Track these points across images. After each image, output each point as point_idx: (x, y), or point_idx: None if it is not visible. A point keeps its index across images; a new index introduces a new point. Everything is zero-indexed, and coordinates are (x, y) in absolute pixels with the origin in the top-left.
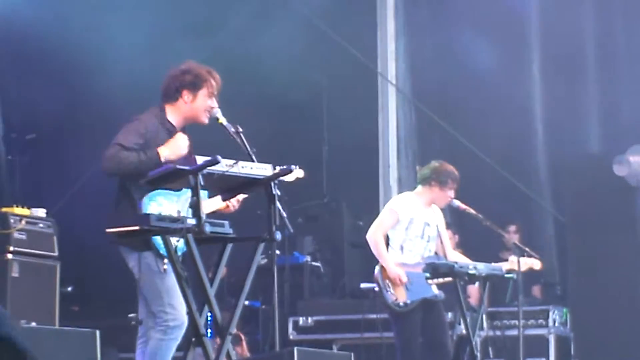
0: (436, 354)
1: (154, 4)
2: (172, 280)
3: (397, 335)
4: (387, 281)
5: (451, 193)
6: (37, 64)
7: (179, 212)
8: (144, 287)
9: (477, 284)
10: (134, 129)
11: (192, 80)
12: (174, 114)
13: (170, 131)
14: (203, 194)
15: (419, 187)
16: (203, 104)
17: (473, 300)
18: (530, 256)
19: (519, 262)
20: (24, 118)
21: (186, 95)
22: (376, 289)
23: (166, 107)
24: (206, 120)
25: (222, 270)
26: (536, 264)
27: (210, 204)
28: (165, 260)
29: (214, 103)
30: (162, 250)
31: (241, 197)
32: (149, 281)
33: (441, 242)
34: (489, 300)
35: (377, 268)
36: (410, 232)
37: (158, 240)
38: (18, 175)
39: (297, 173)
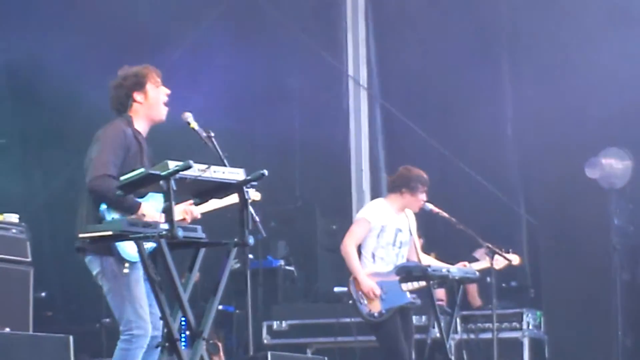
0: None
1: None
2: (137, 287)
3: (381, 343)
4: (360, 293)
5: (423, 196)
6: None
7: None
8: (109, 294)
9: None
10: (116, 142)
11: (135, 80)
12: (137, 121)
13: (140, 141)
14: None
15: (390, 195)
16: (156, 96)
17: (443, 303)
18: (508, 251)
19: (492, 261)
20: None
21: (137, 96)
22: (350, 302)
23: (130, 114)
24: (164, 116)
25: (195, 275)
26: (515, 258)
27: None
28: (126, 264)
29: (164, 90)
30: (124, 254)
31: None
32: (114, 288)
33: (415, 247)
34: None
35: (350, 279)
36: (381, 240)
37: (121, 244)
38: None
39: (254, 196)
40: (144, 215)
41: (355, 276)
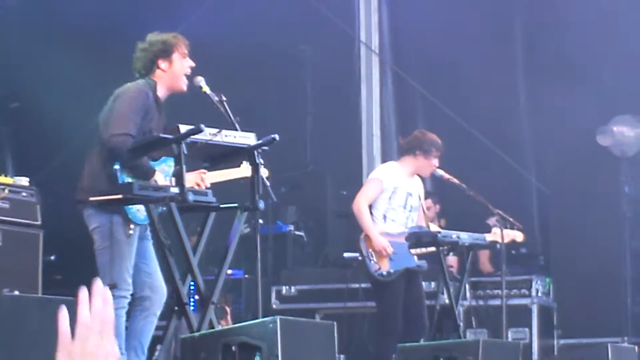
0: (413, 325)
1: None
2: (131, 249)
3: (379, 304)
4: (370, 250)
5: (435, 162)
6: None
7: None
8: (100, 250)
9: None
10: (138, 102)
11: (162, 47)
12: (159, 88)
13: (159, 105)
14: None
15: (403, 157)
16: (181, 66)
17: (454, 270)
18: (513, 226)
19: (502, 233)
20: (6, 86)
21: (162, 63)
22: (359, 257)
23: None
24: (185, 87)
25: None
26: (518, 236)
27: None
28: (132, 226)
29: (189, 62)
30: (131, 215)
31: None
32: (108, 246)
33: (423, 213)
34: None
35: (361, 236)
36: (393, 202)
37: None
38: (1, 145)
39: (263, 172)
40: (155, 181)
41: (367, 233)
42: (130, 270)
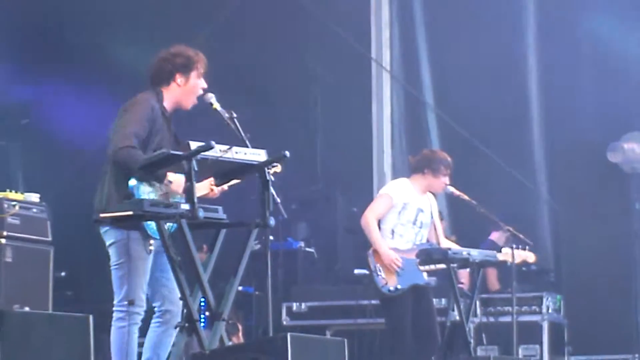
0: (424, 341)
1: None
2: (147, 265)
3: (388, 320)
4: (378, 265)
5: (445, 179)
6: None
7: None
8: (116, 266)
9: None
10: (142, 114)
11: (184, 62)
12: (167, 100)
13: (166, 117)
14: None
15: (413, 175)
16: (194, 86)
17: (465, 285)
18: (524, 245)
19: (513, 252)
20: (16, 103)
21: (179, 78)
22: (367, 272)
23: (162, 90)
24: (190, 106)
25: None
26: (530, 256)
27: (198, 188)
28: (152, 241)
29: (203, 83)
30: (151, 232)
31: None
32: (124, 262)
33: (435, 230)
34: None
35: (369, 251)
36: (402, 217)
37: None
38: (12, 160)
39: (275, 167)
40: (170, 182)
41: (376, 247)
42: (145, 287)
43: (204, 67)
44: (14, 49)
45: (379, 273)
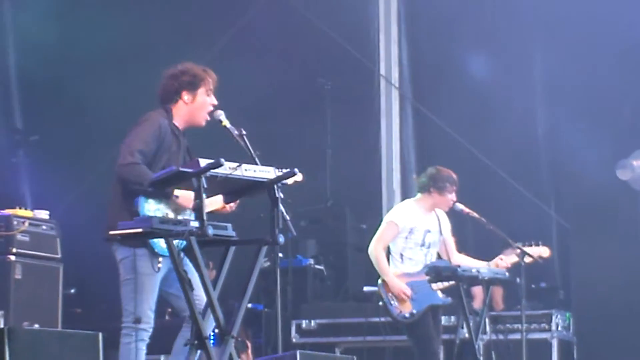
0: None
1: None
2: (156, 282)
3: (414, 344)
4: (390, 294)
5: (452, 196)
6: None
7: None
8: (125, 282)
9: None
10: (148, 132)
11: (190, 80)
12: (177, 118)
13: (177, 135)
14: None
15: (419, 195)
16: (203, 103)
17: (477, 302)
18: (532, 258)
19: (523, 259)
20: (27, 120)
21: (186, 95)
22: (380, 303)
23: (171, 108)
24: (203, 122)
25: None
26: (544, 251)
27: (209, 204)
28: (160, 259)
29: (213, 100)
30: (158, 249)
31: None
32: (133, 279)
33: (445, 246)
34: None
35: (379, 282)
36: (410, 241)
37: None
38: (21, 177)
39: (296, 177)
40: (177, 197)
41: (384, 278)
42: (152, 304)
43: (214, 84)
44: None
45: (392, 303)
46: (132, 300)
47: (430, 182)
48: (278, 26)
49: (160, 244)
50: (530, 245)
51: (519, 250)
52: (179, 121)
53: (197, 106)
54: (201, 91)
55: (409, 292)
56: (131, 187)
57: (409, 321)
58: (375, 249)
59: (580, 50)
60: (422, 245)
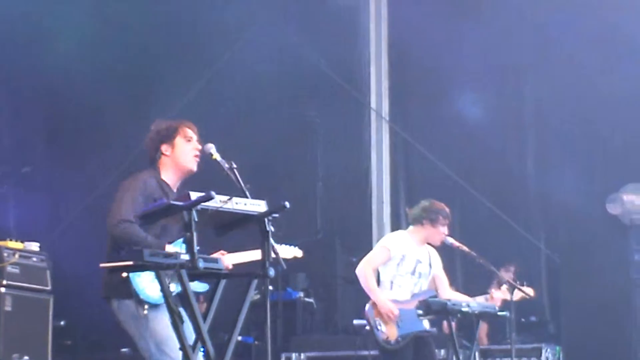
0: None
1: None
2: (160, 326)
3: None
4: (378, 319)
5: (444, 230)
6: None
7: None
8: (135, 338)
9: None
10: (134, 192)
11: (165, 133)
12: (165, 172)
13: (165, 191)
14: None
15: (411, 227)
16: (183, 150)
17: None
18: (522, 290)
19: (512, 297)
20: (16, 150)
21: (165, 148)
22: (367, 327)
23: (158, 166)
24: (194, 167)
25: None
26: (529, 291)
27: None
28: (146, 306)
29: (196, 144)
30: (143, 296)
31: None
32: (134, 328)
33: (436, 283)
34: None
35: (367, 305)
36: (401, 269)
37: (139, 285)
38: (11, 209)
39: (296, 253)
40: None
41: (371, 297)
42: (170, 343)
43: (192, 131)
44: None
45: (379, 328)
46: (145, 349)
47: (423, 214)
48: (269, 57)
49: (145, 291)
50: (515, 286)
51: (507, 285)
52: (168, 176)
53: (178, 154)
54: (179, 139)
55: (396, 311)
56: (123, 246)
57: (392, 347)
58: (364, 269)
59: (570, 84)
60: (413, 274)
